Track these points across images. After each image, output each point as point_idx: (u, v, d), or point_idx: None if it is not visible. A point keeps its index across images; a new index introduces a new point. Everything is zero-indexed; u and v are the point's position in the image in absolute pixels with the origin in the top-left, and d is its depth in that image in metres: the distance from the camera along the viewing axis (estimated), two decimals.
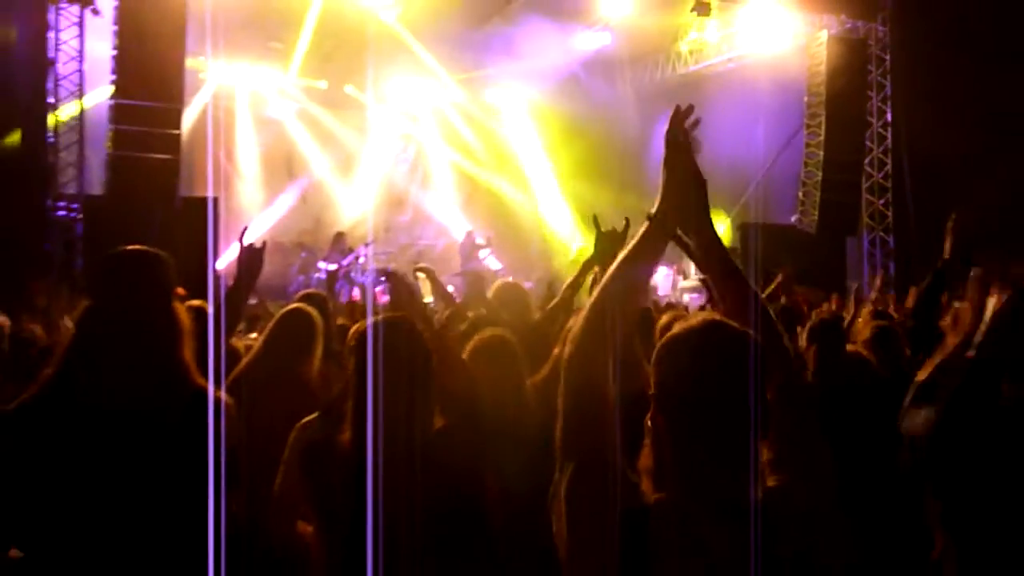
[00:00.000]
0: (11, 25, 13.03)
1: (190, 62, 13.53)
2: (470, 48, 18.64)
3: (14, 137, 13.06)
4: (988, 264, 3.71)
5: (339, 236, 16.91)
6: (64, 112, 13.34)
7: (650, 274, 2.26)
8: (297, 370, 4.48)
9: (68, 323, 3.03)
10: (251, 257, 4.05)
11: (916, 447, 3.62)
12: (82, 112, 13.38)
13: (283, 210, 17.45)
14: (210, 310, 4.00)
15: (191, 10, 13.20)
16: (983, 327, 3.34)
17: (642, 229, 2.23)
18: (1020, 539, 2.99)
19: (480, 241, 17.90)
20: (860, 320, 6.22)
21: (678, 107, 2.28)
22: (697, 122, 2.28)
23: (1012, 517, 3.03)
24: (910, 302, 6.10)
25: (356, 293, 14.44)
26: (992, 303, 3.37)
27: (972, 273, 3.99)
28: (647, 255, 2.22)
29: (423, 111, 19.94)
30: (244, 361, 4.59)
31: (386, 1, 16.22)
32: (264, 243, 4.16)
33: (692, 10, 16.16)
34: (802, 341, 5.06)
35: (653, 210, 2.24)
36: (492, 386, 3.63)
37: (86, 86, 13.48)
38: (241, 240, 4.05)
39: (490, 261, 17.88)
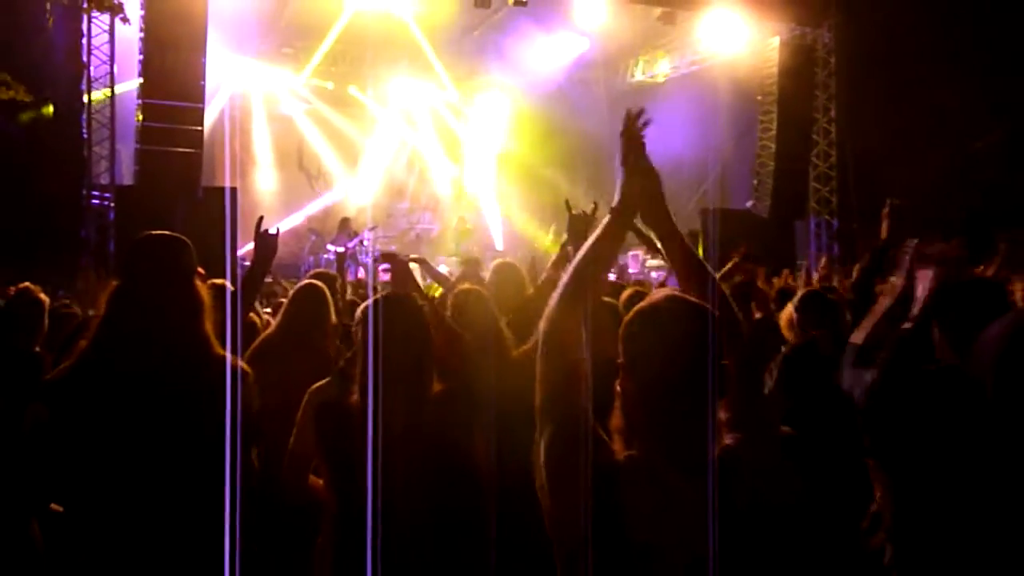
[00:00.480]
0: (49, 33, 12.96)
1: (210, 64, 13.43)
2: (465, 53, 18.58)
3: (48, 109, 13.02)
4: (918, 243, 3.74)
5: (345, 221, 16.88)
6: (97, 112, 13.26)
7: (613, 257, 2.27)
8: (313, 338, 4.49)
9: (101, 300, 3.02)
10: (267, 242, 4.08)
11: (857, 407, 3.64)
12: (113, 111, 13.30)
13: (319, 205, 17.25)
14: (229, 287, 4.00)
15: (212, 16, 13.12)
16: (918, 303, 3.37)
17: (605, 219, 2.25)
18: (945, 491, 3.00)
19: (469, 226, 17.86)
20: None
21: (629, 111, 2.30)
22: (647, 123, 2.30)
23: (939, 473, 3.05)
24: (852, 278, 6.14)
25: (361, 272, 14.45)
26: (922, 279, 3.40)
27: (903, 247, 4.05)
28: (610, 242, 2.23)
29: (421, 110, 19.83)
30: (266, 331, 4.60)
31: (407, 8, 16.07)
32: (278, 230, 4.18)
33: (658, 19, 16.15)
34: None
35: (615, 203, 2.26)
36: (473, 328, 3.67)
37: (116, 84, 13.38)
38: (258, 227, 4.08)
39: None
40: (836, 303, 5.42)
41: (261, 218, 4.27)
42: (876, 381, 3.30)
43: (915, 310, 3.38)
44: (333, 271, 6.60)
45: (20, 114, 11.34)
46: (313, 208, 17.12)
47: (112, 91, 13.26)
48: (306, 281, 4.78)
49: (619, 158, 2.30)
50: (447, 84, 19.26)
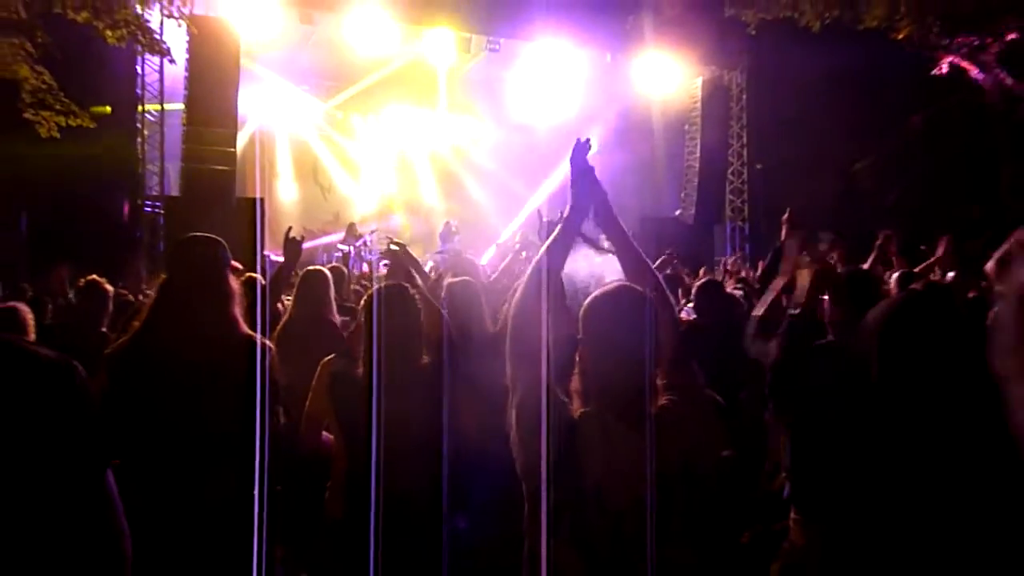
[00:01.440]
0: (109, 72, 12.88)
1: (242, 95, 13.36)
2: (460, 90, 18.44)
3: (105, 108, 12.96)
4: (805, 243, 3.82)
5: (351, 226, 16.83)
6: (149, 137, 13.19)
7: (566, 256, 2.28)
8: (321, 312, 4.47)
9: (152, 289, 3.01)
10: (294, 246, 4.19)
11: (762, 374, 3.68)
12: (162, 137, 13.20)
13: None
14: (260, 280, 3.99)
15: (247, 55, 13.06)
16: (802, 295, 3.41)
17: (558, 227, 2.26)
18: (830, 440, 3.02)
19: (454, 229, 17.74)
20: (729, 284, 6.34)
21: (578, 139, 2.31)
22: (589, 147, 2.31)
23: (825, 427, 3.07)
24: (759, 270, 6.21)
25: (365, 267, 14.42)
26: (805, 275, 3.47)
27: (786, 240, 4.13)
28: (563, 243, 2.24)
29: (415, 136, 19.62)
30: (285, 316, 4.58)
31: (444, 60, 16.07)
32: (302, 236, 4.24)
33: (607, 61, 16.17)
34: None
35: (566, 213, 2.27)
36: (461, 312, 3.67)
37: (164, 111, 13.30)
38: (287, 235, 4.21)
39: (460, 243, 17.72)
40: (722, 287, 5.46)
41: (290, 228, 4.43)
42: (777, 357, 3.35)
43: (801, 298, 3.43)
44: (341, 266, 6.63)
45: (87, 138, 11.24)
46: (329, 239, 16.88)
47: (162, 121, 13.17)
48: (307, 268, 4.76)
49: (569, 177, 2.30)
50: (443, 116, 19.07)
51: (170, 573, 2.63)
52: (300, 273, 4.68)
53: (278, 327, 4.42)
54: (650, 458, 1.96)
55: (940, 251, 5.50)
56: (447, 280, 4.20)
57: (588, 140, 2.32)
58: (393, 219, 18.25)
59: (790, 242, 3.70)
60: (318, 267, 4.81)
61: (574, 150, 2.29)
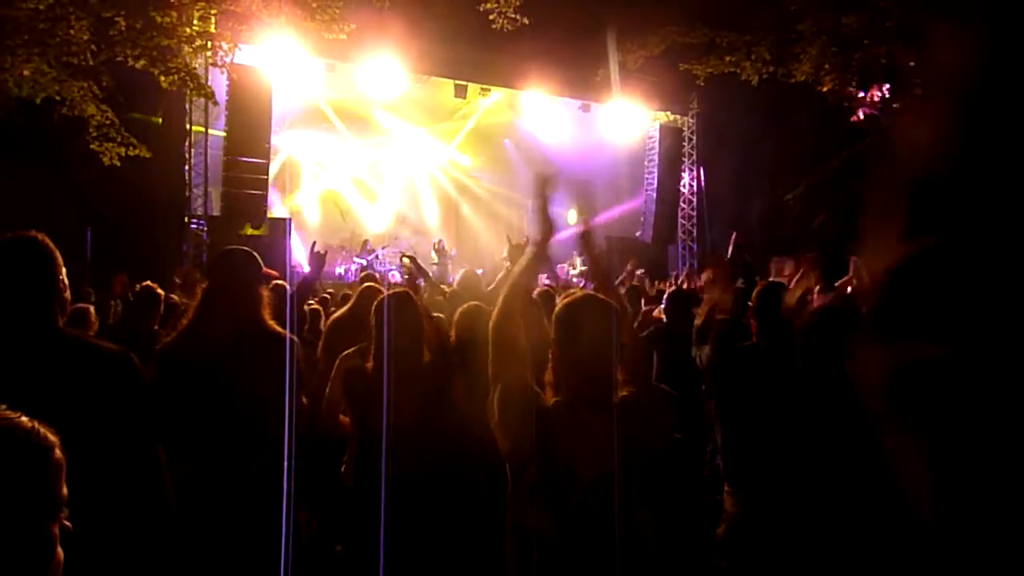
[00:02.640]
0: (161, 113, 12.84)
1: (274, 130, 13.34)
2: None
3: (158, 119, 12.92)
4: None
5: (365, 242, 16.79)
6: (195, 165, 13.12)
7: (536, 275, 2.26)
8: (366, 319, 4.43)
9: (196, 294, 2.99)
10: (318, 259, 4.14)
11: (703, 373, 3.70)
12: (206, 165, 13.13)
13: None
14: (288, 288, 3.97)
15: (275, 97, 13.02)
16: (730, 304, 3.43)
17: (528, 251, 2.22)
18: (755, 423, 3.03)
19: (446, 247, 17.50)
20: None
21: (538, 174, 2.21)
22: (554, 184, 2.21)
23: (751, 412, 3.09)
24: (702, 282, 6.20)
25: (378, 277, 14.34)
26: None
27: (710, 260, 4.12)
28: (532, 266, 2.19)
29: (424, 164, 19.47)
30: (337, 313, 4.49)
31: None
32: (326, 251, 4.26)
33: (579, 108, 16.21)
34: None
35: (535, 240, 2.22)
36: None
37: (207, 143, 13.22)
38: (312, 248, 4.16)
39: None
40: (692, 295, 5.48)
41: (314, 243, 4.42)
42: (711, 356, 3.37)
43: (726, 306, 3.46)
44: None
45: (142, 166, 11.18)
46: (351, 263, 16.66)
47: (206, 153, 13.10)
48: (367, 284, 4.67)
49: (532, 208, 2.27)
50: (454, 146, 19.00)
51: (210, 536, 2.62)
52: (327, 286, 4.62)
53: (329, 321, 4.40)
54: (616, 438, 1.97)
55: (803, 268, 5.20)
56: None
57: (553, 175, 2.22)
58: (401, 237, 18.15)
59: (719, 263, 3.71)
60: (374, 284, 4.71)
61: (536, 183, 2.20)
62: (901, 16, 11.64)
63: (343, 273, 15.83)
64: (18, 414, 1.05)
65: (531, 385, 2.07)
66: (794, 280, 4.70)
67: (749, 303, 3.56)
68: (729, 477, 3.33)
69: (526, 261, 2.19)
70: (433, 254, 16.62)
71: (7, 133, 10.51)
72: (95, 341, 2.11)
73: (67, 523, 1.07)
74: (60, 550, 1.06)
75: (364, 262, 15.57)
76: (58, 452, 1.07)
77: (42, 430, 1.06)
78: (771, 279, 4.53)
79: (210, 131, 13.06)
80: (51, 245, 2.03)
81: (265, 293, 2.90)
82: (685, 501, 4.36)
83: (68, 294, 2.06)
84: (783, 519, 2.20)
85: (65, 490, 1.07)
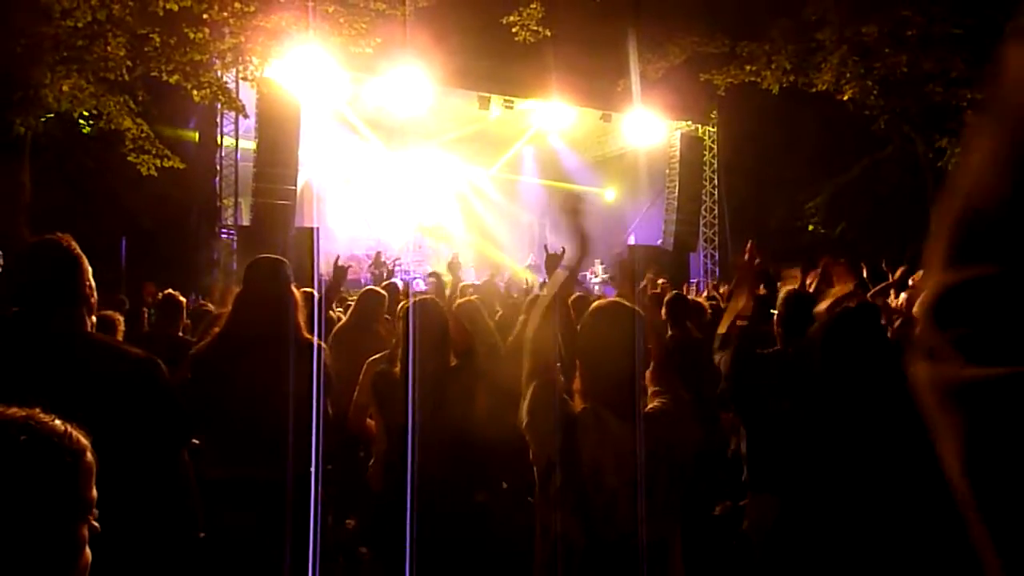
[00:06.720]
0: (194, 128, 13.01)
1: (303, 143, 13.47)
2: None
3: (193, 135, 13.12)
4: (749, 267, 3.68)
5: (379, 254, 16.68)
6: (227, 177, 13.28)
7: (571, 292, 2.27)
8: (371, 324, 4.47)
9: (228, 301, 3.02)
10: (340, 270, 4.18)
11: (723, 379, 3.65)
12: (237, 177, 13.28)
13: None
14: (315, 295, 4.00)
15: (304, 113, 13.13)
16: (750, 311, 3.37)
17: (566, 268, 2.23)
18: (777, 430, 2.99)
19: (461, 260, 17.40)
20: (701, 300, 6.23)
21: (568, 193, 2.28)
22: (583, 200, 2.33)
23: (773, 419, 3.05)
24: (727, 291, 6.12)
25: (400, 284, 14.36)
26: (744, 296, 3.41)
27: (736, 266, 4.04)
28: (571, 281, 2.22)
29: (446, 183, 19.47)
30: (341, 322, 4.57)
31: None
32: (349, 265, 4.28)
33: (600, 119, 16.20)
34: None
35: (570, 257, 2.25)
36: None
37: (238, 155, 13.38)
38: (336, 261, 4.21)
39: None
40: (689, 300, 5.34)
41: (337, 257, 4.58)
42: (731, 363, 3.31)
43: (747, 312, 3.39)
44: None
45: (176, 178, 11.35)
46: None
47: (236, 166, 13.26)
48: (367, 288, 4.77)
49: (566, 224, 2.27)
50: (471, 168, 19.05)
51: (237, 539, 2.62)
52: (352, 293, 4.69)
53: (334, 329, 4.44)
54: (640, 446, 1.95)
55: (837, 275, 5.15)
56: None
57: (581, 196, 2.30)
58: (424, 247, 18.18)
59: (744, 271, 3.64)
60: (374, 287, 4.84)
61: (566, 202, 2.28)
62: (922, 25, 11.50)
63: (368, 281, 15.91)
64: (52, 417, 1.05)
65: (561, 392, 2.06)
66: (811, 286, 4.60)
67: (772, 311, 3.50)
68: (757, 481, 3.28)
69: (562, 279, 2.20)
70: (445, 269, 16.61)
71: (45, 146, 10.74)
72: (121, 345, 2.12)
73: (96, 524, 1.07)
74: (88, 551, 1.05)
75: (371, 276, 15.44)
76: (89, 455, 1.06)
77: (75, 433, 1.05)
78: (782, 285, 4.44)
79: (240, 143, 13.23)
80: (77, 248, 2.00)
81: (299, 299, 2.91)
82: (708, 507, 4.32)
83: (95, 298, 2.04)
84: (820, 521, 2.16)
85: (95, 492, 1.07)
